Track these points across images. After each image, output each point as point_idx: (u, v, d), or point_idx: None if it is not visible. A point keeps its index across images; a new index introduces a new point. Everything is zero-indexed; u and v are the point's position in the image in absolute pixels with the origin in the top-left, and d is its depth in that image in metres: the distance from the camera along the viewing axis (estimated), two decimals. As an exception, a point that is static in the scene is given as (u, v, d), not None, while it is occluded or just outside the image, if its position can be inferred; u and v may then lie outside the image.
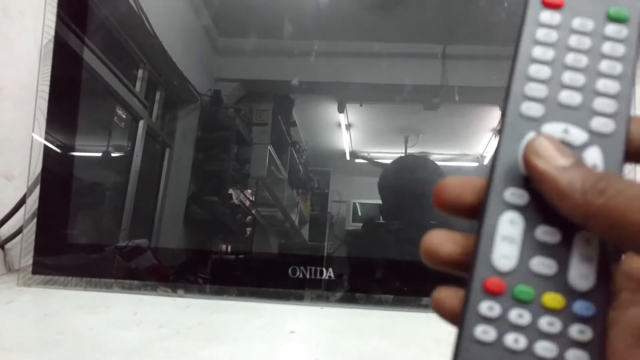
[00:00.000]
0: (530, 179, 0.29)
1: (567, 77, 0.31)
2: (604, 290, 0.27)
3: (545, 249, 0.28)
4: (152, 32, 1.07)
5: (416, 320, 0.85)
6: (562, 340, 0.27)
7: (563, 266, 0.28)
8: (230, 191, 1.08)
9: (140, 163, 1.10)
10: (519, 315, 0.28)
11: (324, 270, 0.94)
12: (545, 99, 0.30)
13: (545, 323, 0.27)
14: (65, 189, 1.01)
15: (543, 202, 0.28)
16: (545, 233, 0.28)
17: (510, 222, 0.29)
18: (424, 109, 1.07)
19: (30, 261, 0.96)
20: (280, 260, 0.99)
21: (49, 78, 1.00)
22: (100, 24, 1.05)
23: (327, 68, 1.09)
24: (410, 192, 1.05)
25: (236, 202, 1.08)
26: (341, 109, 1.10)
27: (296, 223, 1.12)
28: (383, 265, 0.96)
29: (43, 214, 0.98)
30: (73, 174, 1.01)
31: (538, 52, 0.31)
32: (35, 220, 0.97)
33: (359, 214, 1.08)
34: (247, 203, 1.09)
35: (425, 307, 0.88)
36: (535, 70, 0.31)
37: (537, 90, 0.30)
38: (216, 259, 1.02)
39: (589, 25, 0.31)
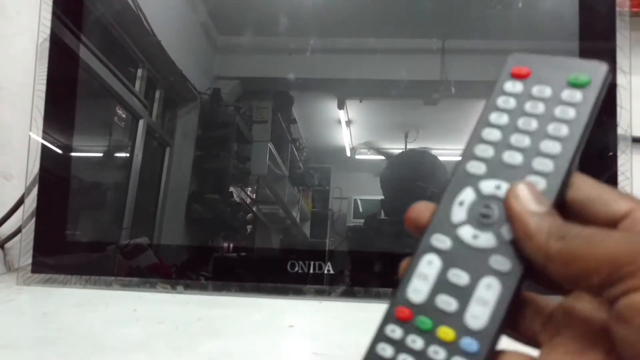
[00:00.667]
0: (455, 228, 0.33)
1: (514, 138, 0.34)
2: (492, 333, 0.31)
3: (451, 289, 0.32)
4: (151, 31, 1.07)
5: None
6: None
7: (463, 305, 0.31)
8: (231, 189, 1.08)
9: (140, 162, 1.10)
10: (413, 341, 0.32)
11: (326, 266, 0.94)
12: (489, 158, 0.34)
13: (433, 351, 0.31)
14: (64, 189, 1.01)
15: (461, 250, 0.33)
16: (454, 275, 0.32)
17: (428, 262, 0.33)
18: (423, 104, 1.06)
19: (30, 260, 0.96)
20: (282, 257, 0.99)
21: (45, 77, 1.00)
22: (97, 22, 1.05)
23: (326, 65, 1.08)
24: (411, 186, 1.04)
25: (237, 200, 1.08)
26: (341, 106, 1.09)
27: (297, 220, 1.12)
28: (383, 260, 0.96)
29: (42, 214, 0.99)
30: (72, 173, 1.02)
31: (494, 117, 0.35)
32: (34, 219, 0.98)
33: (360, 210, 1.08)
34: (248, 201, 1.09)
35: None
36: (487, 133, 0.35)
37: (484, 150, 0.34)
38: (218, 257, 1.02)
39: (547, 91, 0.34)
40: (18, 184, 1.05)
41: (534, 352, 0.33)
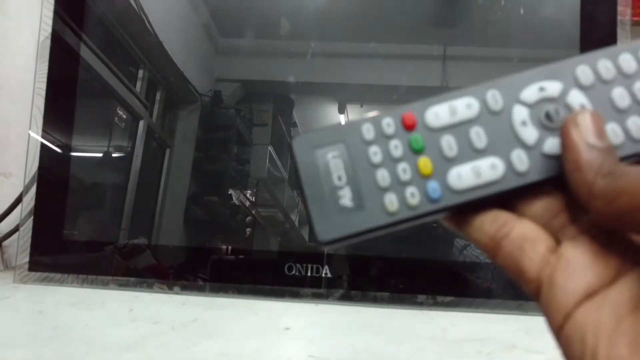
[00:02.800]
0: None
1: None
2: (466, 198, 0.30)
3: (463, 141, 0.31)
4: (152, 32, 1.07)
5: (411, 318, 0.84)
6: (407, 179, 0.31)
7: (459, 161, 0.31)
8: (230, 192, 1.08)
9: (140, 163, 1.10)
10: (395, 147, 0.31)
11: (323, 269, 0.94)
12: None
13: (401, 169, 0.31)
14: (63, 188, 1.01)
15: (502, 123, 0.31)
16: (476, 134, 0.31)
17: (467, 105, 0.32)
18: (424, 110, 1.06)
19: (27, 258, 0.96)
20: (280, 260, 0.99)
21: (46, 75, 1.00)
22: (98, 22, 1.05)
23: (327, 69, 1.09)
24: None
25: (236, 202, 1.08)
26: (342, 110, 1.09)
27: (296, 224, 1.12)
28: (381, 264, 0.96)
29: (39, 212, 0.99)
30: (71, 173, 1.02)
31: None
32: (32, 218, 0.98)
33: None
34: (247, 203, 1.09)
35: (420, 305, 0.87)
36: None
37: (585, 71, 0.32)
38: (215, 259, 1.02)
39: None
40: (17, 182, 1.05)
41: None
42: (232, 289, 0.95)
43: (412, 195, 0.31)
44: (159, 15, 1.08)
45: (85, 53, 1.04)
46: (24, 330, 0.75)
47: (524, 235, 0.30)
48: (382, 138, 0.32)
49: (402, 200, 0.31)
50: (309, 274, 0.94)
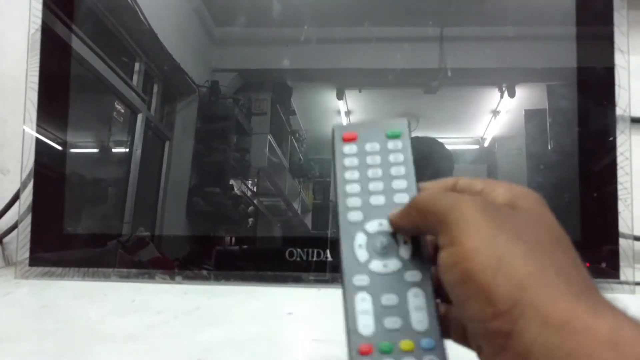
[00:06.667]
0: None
1: (372, 186, 0.42)
2: (437, 326, 0.37)
3: (390, 311, 0.38)
4: (147, 23, 1.07)
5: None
6: None
7: (406, 318, 0.38)
8: (232, 182, 1.08)
9: (140, 156, 1.09)
10: None
11: (328, 255, 0.94)
12: (361, 206, 0.41)
13: None
14: (60, 183, 1.01)
15: (380, 280, 0.39)
16: (387, 300, 0.38)
17: (362, 300, 0.39)
18: (423, 92, 1.06)
19: (27, 254, 0.96)
20: (283, 248, 0.99)
21: (37, 69, 1.00)
22: (90, 13, 1.05)
23: (324, 54, 1.08)
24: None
25: (238, 192, 1.08)
26: (340, 96, 1.09)
27: (299, 212, 1.11)
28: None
29: (38, 208, 0.98)
30: (68, 168, 1.01)
31: (348, 175, 0.43)
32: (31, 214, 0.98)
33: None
34: (249, 193, 1.09)
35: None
36: (349, 188, 0.42)
37: (354, 201, 0.42)
38: (220, 250, 1.01)
39: (377, 146, 0.44)
40: (15, 178, 1.05)
41: None
42: (235, 277, 0.95)
43: None
44: (152, 6, 1.07)
45: (77, 45, 1.03)
46: (28, 324, 0.75)
47: None
48: None
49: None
50: (314, 258, 0.94)
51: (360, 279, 0.39)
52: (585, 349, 0.29)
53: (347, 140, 0.44)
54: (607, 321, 0.30)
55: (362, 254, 0.40)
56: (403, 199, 0.41)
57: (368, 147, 0.44)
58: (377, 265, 0.39)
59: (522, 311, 0.31)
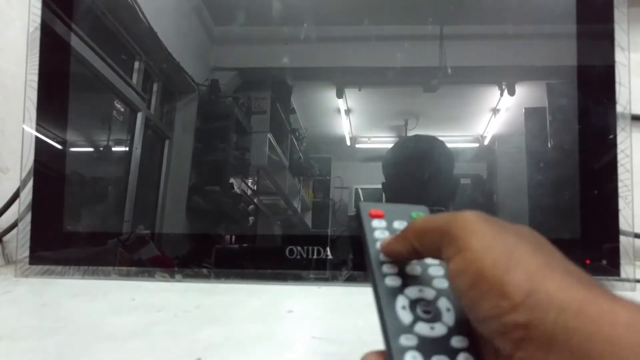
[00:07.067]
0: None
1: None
2: None
3: None
4: (146, 22, 1.07)
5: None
6: None
7: None
8: (232, 180, 1.08)
9: (140, 155, 1.09)
10: None
11: (328, 253, 0.94)
12: (398, 272, 0.43)
13: None
14: (60, 182, 1.00)
15: (428, 342, 0.39)
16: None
17: (413, 358, 0.38)
18: (423, 91, 1.06)
19: (27, 253, 0.96)
20: (283, 246, 0.99)
21: (37, 67, 1.00)
22: (90, 12, 1.04)
23: (324, 53, 1.08)
24: (411, 170, 1.04)
25: (238, 191, 1.08)
26: (340, 94, 1.09)
27: (299, 210, 1.11)
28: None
29: (38, 206, 0.98)
30: (68, 166, 1.01)
31: (380, 245, 0.44)
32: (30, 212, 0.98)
33: (362, 199, 1.07)
34: (249, 192, 1.09)
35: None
36: (384, 257, 0.43)
37: (390, 269, 0.43)
38: (220, 249, 1.01)
39: (404, 223, 0.45)
40: (15, 176, 1.05)
41: None
42: (235, 275, 0.95)
43: None
44: (152, 5, 1.07)
45: (76, 44, 1.03)
46: (28, 323, 0.75)
47: None
48: None
49: None
50: (314, 256, 0.94)
51: (408, 339, 0.39)
52: (605, 332, 0.29)
53: (375, 216, 0.46)
54: (624, 306, 0.30)
55: (406, 316, 0.40)
56: (438, 271, 0.43)
57: (396, 223, 0.46)
58: (423, 327, 0.40)
59: (537, 300, 0.32)
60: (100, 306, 0.82)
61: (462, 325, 0.40)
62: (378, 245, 0.44)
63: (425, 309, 0.41)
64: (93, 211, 1.06)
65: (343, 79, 1.09)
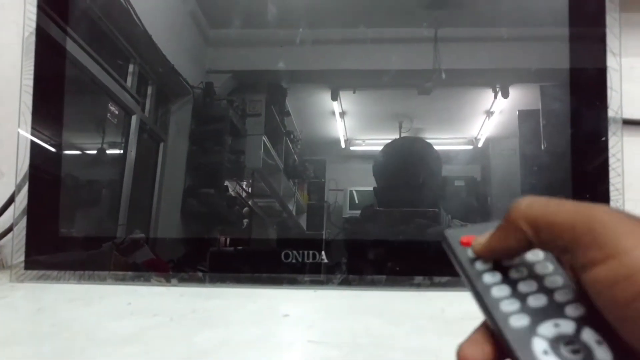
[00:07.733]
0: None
1: (522, 287, 0.37)
2: None
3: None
4: (141, 25, 1.07)
5: (409, 299, 0.85)
6: None
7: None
8: (226, 183, 1.08)
9: (134, 158, 1.09)
10: None
11: (323, 257, 0.94)
12: (521, 309, 0.36)
13: None
14: (55, 186, 1.00)
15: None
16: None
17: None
18: (417, 93, 1.06)
19: (22, 257, 0.96)
20: (279, 249, 0.99)
21: (32, 71, 0.99)
22: (85, 17, 1.04)
23: (319, 56, 1.08)
24: (402, 173, 1.05)
25: (232, 194, 1.08)
26: (334, 97, 1.09)
27: (294, 213, 1.12)
28: (378, 249, 0.96)
29: (33, 211, 0.98)
30: (63, 170, 1.01)
31: (488, 278, 0.38)
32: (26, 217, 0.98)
33: (356, 201, 1.08)
34: (244, 194, 1.09)
35: (417, 286, 0.87)
36: (496, 292, 0.37)
37: (510, 306, 0.36)
38: (214, 252, 1.02)
39: None
40: (10, 180, 1.05)
41: None
42: (230, 279, 0.95)
43: None
44: (146, 8, 1.07)
45: (72, 48, 1.03)
46: (24, 328, 0.75)
47: None
48: None
49: None
50: (309, 260, 0.94)
51: None
52: None
53: (466, 244, 0.41)
54: None
55: None
56: (565, 295, 0.36)
57: None
58: None
59: None
60: (96, 311, 0.82)
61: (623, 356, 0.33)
62: (485, 278, 0.39)
63: (573, 349, 0.34)
64: (88, 215, 1.06)
65: (338, 82, 1.09)
